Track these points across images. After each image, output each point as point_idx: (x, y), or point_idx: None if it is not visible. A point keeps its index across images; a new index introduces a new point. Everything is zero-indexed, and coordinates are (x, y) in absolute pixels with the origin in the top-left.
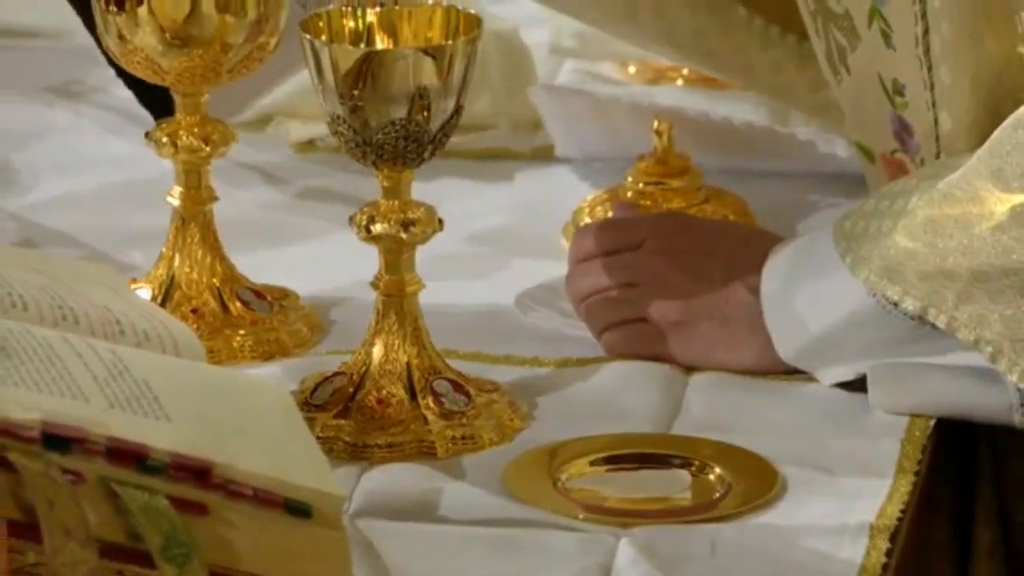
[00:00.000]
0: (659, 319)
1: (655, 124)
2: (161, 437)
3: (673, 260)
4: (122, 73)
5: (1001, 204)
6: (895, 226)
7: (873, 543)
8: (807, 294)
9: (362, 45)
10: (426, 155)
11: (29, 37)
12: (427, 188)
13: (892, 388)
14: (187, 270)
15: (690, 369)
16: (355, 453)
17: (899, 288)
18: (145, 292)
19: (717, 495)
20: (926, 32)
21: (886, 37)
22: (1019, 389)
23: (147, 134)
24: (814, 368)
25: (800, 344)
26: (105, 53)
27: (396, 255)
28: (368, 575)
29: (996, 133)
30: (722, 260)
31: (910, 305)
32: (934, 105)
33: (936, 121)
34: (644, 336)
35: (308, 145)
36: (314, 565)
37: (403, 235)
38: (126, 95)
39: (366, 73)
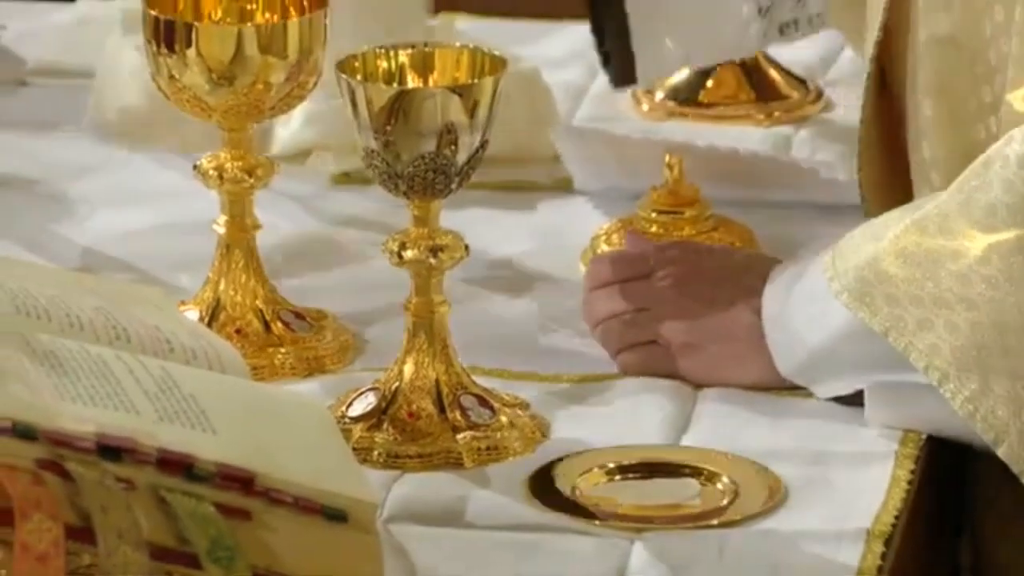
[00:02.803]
0: (670, 340)
1: (666, 158)
2: (207, 448)
3: (681, 286)
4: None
5: (966, 239)
6: (873, 251)
7: (869, 547)
8: (804, 314)
9: (394, 84)
10: (453, 186)
11: (87, 78)
12: (454, 217)
13: (887, 408)
14: (232, 293)
15: (699, 386)
16: (388, 463)
17: (869, 311)
18: (193, 313)
19: (724, 502)
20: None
21: None
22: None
23: (195, 166)
24: (812, 382)
25: (799, 360)
26: None
27: (425, 279)
28: None
29: (966, 172)
30: (726, 285)
31: (876, 327)
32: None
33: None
34: (656, 356)
35: (344, 177)
36: (349, 567)
37: (432, 260)
38: None
39: (398, 110)
